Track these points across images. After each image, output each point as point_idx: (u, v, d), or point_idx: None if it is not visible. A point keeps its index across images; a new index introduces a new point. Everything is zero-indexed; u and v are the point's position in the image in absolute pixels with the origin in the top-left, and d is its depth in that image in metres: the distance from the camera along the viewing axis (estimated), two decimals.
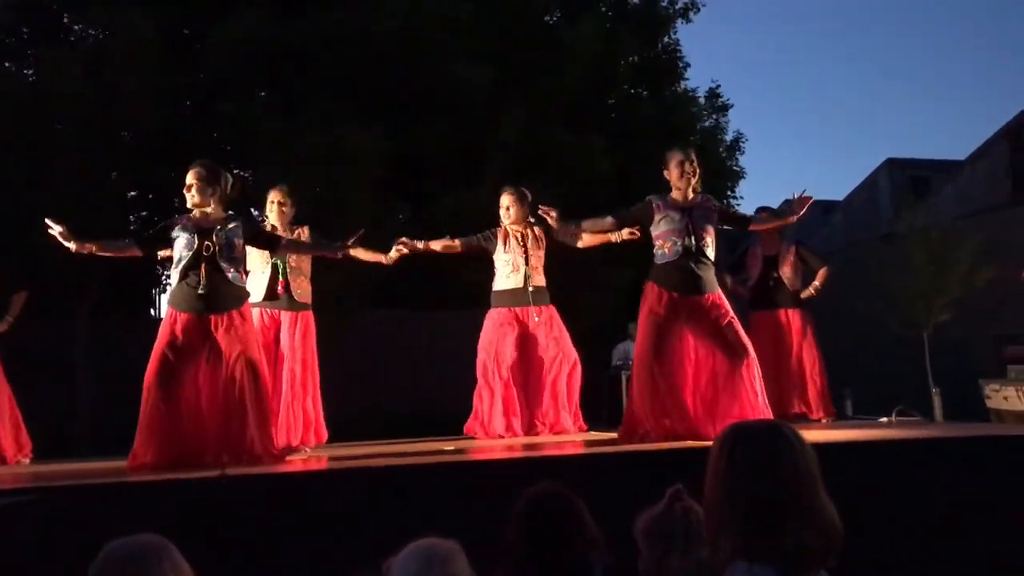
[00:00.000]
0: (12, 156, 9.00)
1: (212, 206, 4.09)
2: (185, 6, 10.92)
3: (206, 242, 3.98)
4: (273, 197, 4.89)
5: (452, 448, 4.54)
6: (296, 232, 4.89)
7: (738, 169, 13.63)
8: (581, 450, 4.38)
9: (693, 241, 4.38)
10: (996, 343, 10.50)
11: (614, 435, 4.62)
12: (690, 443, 4.03)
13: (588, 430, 5.21)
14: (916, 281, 11.53)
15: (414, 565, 1.63)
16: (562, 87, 11.49)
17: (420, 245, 5.15)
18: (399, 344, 10.94)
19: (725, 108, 13.79)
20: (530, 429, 5.11)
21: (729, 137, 13.70)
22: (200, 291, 3.92)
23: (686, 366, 4.37)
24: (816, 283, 5.95)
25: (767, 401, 4.31)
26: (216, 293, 3.96)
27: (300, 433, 4.74)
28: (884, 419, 5.52)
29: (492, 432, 5.02)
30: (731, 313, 4.41)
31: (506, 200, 5.24)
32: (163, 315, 4.16)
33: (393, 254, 4.98)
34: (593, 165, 10.99)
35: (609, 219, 4.77)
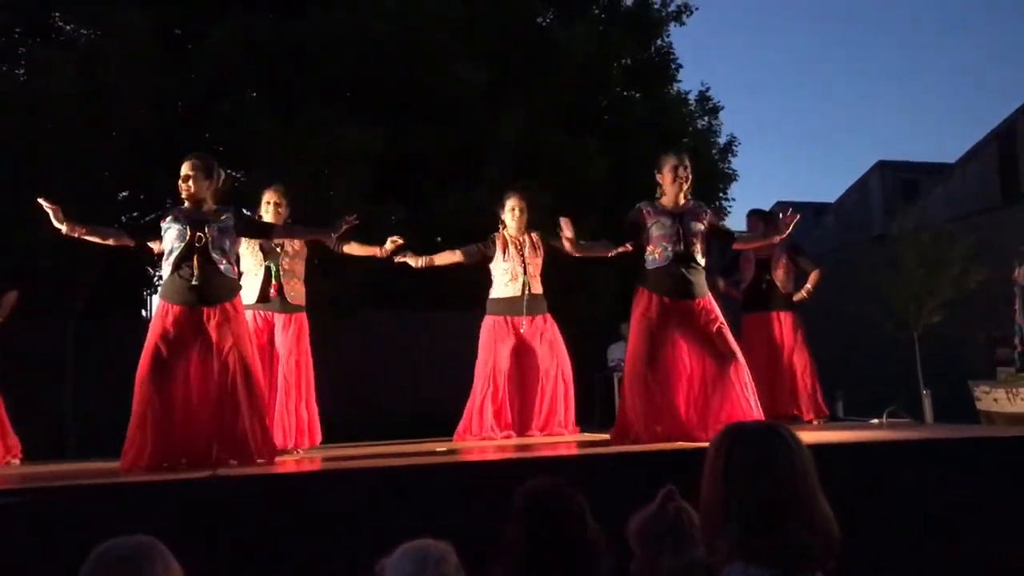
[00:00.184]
0: (3, 156, 8.97)
1: (206, 198, 4.10)
2: (180, 6, 10.89)
3: (199, 233, 3.98)
4: (269, 197, 4.89)
5: (444, 449, 4.54)
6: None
7: (731, 172, 13.65)
8: (574, 451, 4.38)
9: (683, 247, 4.40)
10: (987, 345, 10.55)
11: (606, 436, 4.64)
12: (683, 444, 4.04)
13: (580, 432, 5.22)
14: (907, 283, 11.58)
15: (408, 566, 1.63)
16: (557, 89, 11.50)
17: (422, 262, 5.09)
18: (398, 344, 10.92)
19: (716, 110, 13.82)
20: (524, 435, 5.12)
21: (722, 140, 13.73)
22: (193, 283, 3.92)
23: (678, 371, 4.39)
24: (808, 285, 5.98)
25: (759, 404, 4.33)
26: (209, 285, 3.96)
27: (294, 435, 4.73)
28: (875, 421, 5.54)
29: (488, 438, 5.02)
30: (721, 318, 4.44)
31: (515, 203, 5.22)
32: (154, 312, 4.15)
33: (388, 246, 4.95)
34: (589, 166, 11.00)
35: (604, 241, 4.81)
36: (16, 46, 11.15)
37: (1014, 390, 8.17)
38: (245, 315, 4.25)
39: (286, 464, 4.05)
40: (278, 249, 4.83)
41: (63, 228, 3.92)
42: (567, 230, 4.52)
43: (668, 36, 13.67)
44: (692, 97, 13.73)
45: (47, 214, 3.88)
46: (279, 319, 4.80)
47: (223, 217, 4.08)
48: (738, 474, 1.48)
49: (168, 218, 4.04)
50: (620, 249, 4.71)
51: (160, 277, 4.12)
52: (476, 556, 1.80)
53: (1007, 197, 14.14)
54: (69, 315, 10.04)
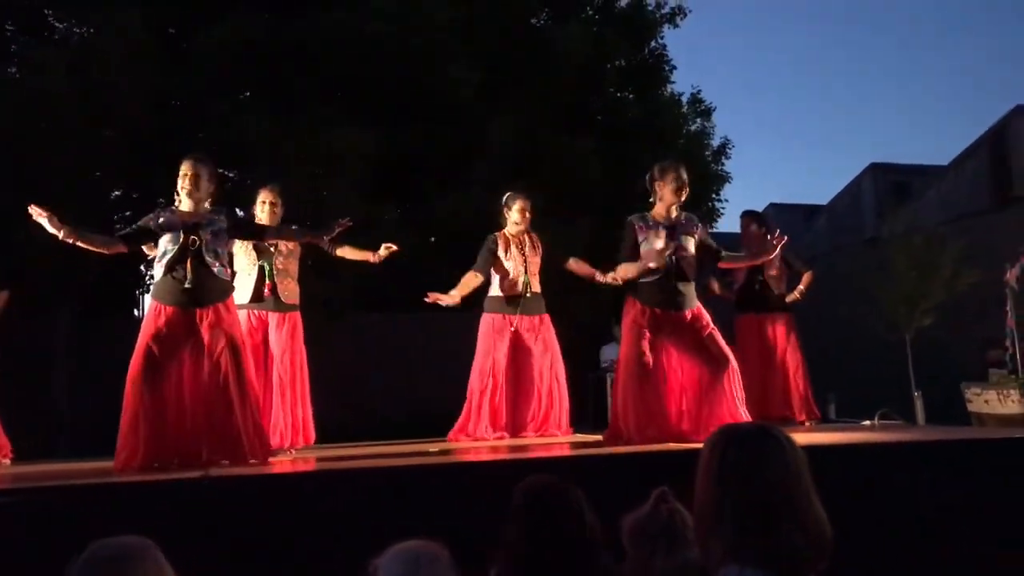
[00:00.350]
0: None
1: (203, 199, 4.10)
2: (177, 5, 10.86)
3: (192, 237, 3.97)
4: (264, 197, 4.88)
5: (436, 450, 4.54)
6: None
7: (724, 174, 13.67)
8: (567, 452, 4.39)
9: (674, 260, 4.42)
10: (979, 347, 10.59)
11: (599, 437, 4.65)
12: (676, 445, 4.05)
13: (574, 432, 5.23)
14: (899, 286, 11.61)
15: (400, 567, 1.63)
16: (552, 89, 11.51)
17: (452, 299, 5.05)
18: (391, 346, 10.91)
19: (708, 112, 13.84)
20: (517, 436, 5.12)
21: (716, 142, 13.75)
22: (186, 285, 3.92)
23: (670, 375, 4.43)
24: (801, 287, 6.00)
25: (747, 410, 4.36)
26: (202, 287, 3.96)
27: (290, 434, 4.73)
28: (867, 422, 5.56)
29: (480, 438, 5.03)
30: (711, 324, 4.47)
31: (524, 204, 5.24)
32: (146, 312, 4.14)
33: (383, 252, 4.96)
34: (586, 168, 11.00)
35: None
36: (8, 44, 11.11)
37: (1005, 392, 8.20)
38: (238, 315, 4.25)
39: (279, 464, 4.05)
40: (272, 249, 4.83)
41: (59, 234, 3.88)
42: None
43: (662, 38, 13.70)
44: (685, 99, 13.76)
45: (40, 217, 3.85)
46: (273, 318, 4.80)
47: (217, 219, 4.08)
48: (731, 475, 1.48)
49: (161, 219, 4.03)
50: (609, 279, 4.69)
51: (152, 277, 4.11)
52: (470, 556, 1.80)
53: (999, 200, 14.19)
54: (61, 315, 10.01)
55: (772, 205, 21.54)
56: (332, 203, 8.96)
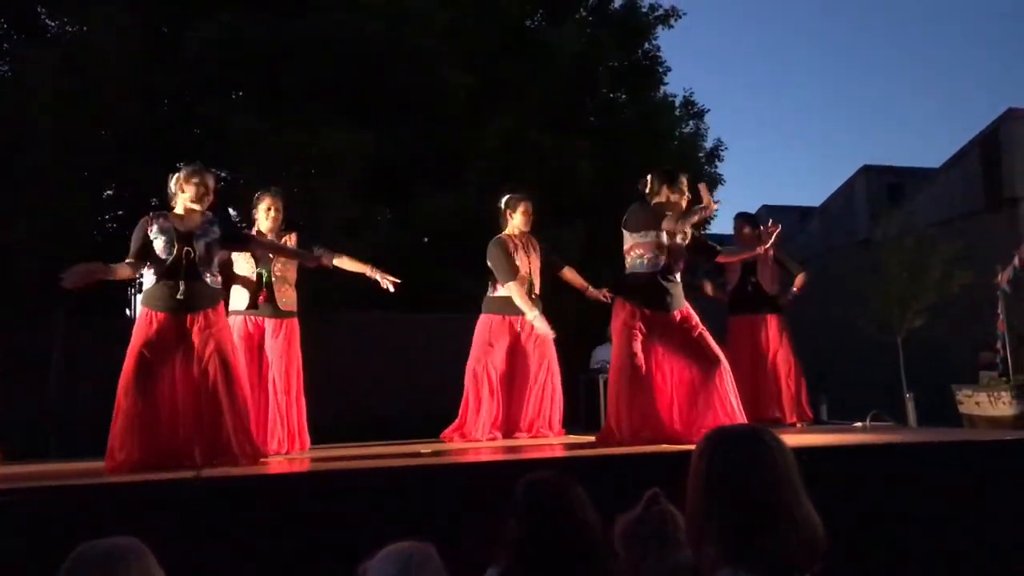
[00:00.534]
0: None
1: (203, 208, 4.14)
2: (168, 4, 10.83)
3: (186, 248, 4.02)
4: (269, 204, 4.86)
5: (429, 451, 4.54)
6: (284, 239, 4.88)
7: (717, 176, 13.68)
8: (560, 453, 4.39)
9: (665, 261, 4.46)
10: (971, 349, 10.63)
11: (592, 438, 4.65)
12: (668, 447, 4.05)
13: (566, 433, 5.23)
14: (891, 287, 11.65)
15: (391, 568, 1.63)
16: (546, 90, 11.51)
17: (542, 320, 5.00)
18: (388, 346, 10.88)
19: (701, 114, 13.86)
20: (510, 437, 5.12)
21: (709, 144, 13.76)
22: (179, 296, 3.96)
23: (662, 377, 4.44)
24: (794, 288, 6.01)
25: (742, 408, 4.36)
26: (193, 296, 4.01)
27: (286, 441, 4.71)
28: (859, 424, 5.57)
29: (472, 439, 5.02)
30: (700, 325, 4.49)
31: (527, 206, 5.24)
32: (137, 315, 4.15)
33: (381, 281, 4.90)
34: (578, 168, 11.01)
35: None
36: (1, 42, 11.06)
37: (996, 394, 8.25)
38: (228, 321, 4.29)
39: (270, 464, 4.04)
40: (270, 256, 4.81)
41: (106, 276, 3.97)
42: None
43: (656, 39, 13.72)
44: (678, 101, 13.77)
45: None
46: (269, 324, 4.77)
47: (211, 230, 4.13)
48: (722, 478, 1.48)
49: (154, 227, 4.04)
50: (601, 296, 5.04)
51: (141, 275, 4.11)
52: (463, 556, 1.80)
53: (990, 202, 14.22)
54: (53, 315, 9.96)
55: (765, 207, 21.58)
56: (325, 203, 8.95)
